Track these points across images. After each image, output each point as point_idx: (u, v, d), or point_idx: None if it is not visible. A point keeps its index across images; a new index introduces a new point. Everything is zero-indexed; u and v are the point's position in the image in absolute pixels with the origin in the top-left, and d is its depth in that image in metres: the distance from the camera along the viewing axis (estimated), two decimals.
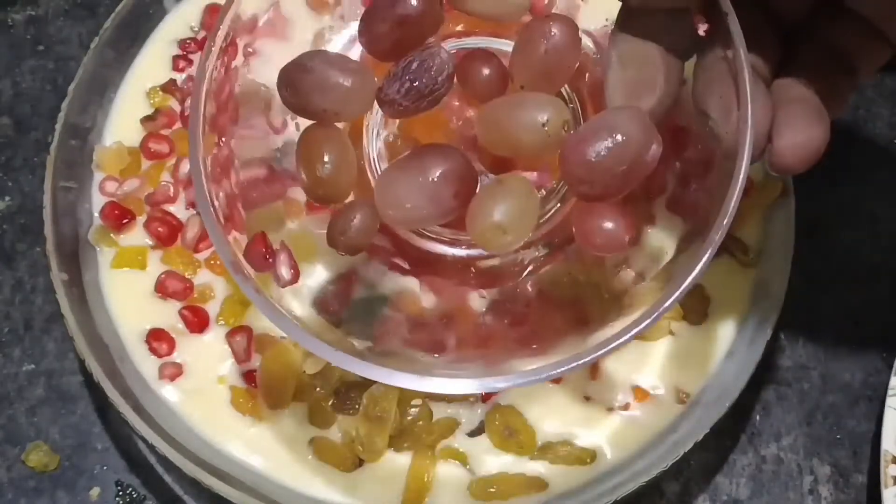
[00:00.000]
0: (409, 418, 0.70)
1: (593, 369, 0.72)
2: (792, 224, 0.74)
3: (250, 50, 0.80)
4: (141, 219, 0.76)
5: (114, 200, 0.76)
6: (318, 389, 0.71)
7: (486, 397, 0.71)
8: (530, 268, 0.68)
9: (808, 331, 0.82)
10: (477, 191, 0.58)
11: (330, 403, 0.71)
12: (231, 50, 0.80)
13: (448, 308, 0.67)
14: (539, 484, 0.69)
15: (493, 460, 0.70)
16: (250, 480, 0.69)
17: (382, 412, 0.69)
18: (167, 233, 0.75)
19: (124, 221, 0.75)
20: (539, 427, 0.71)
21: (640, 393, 0.72)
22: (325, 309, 0.73)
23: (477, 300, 0.67)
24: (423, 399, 0.71)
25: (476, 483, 0.69)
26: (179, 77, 0.80)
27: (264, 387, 0.71)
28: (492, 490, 0.69)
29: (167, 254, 0.75)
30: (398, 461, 0.70)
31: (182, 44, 0.81)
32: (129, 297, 0.74)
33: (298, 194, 0.76)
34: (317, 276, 0.74)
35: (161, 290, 0.73)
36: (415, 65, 0.57)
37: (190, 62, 0.80)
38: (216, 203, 0.58)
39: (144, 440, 0.68)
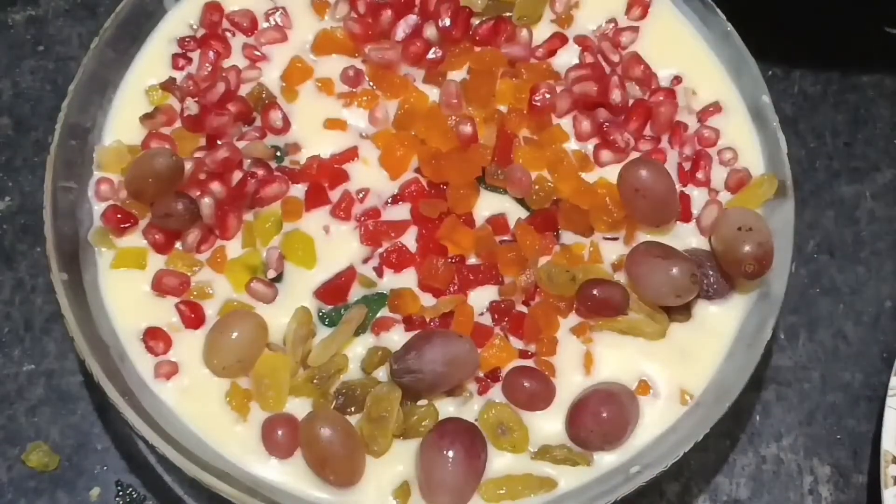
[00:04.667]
0: (416, 418, 0.70)
1: (588, 365, 0.72)
2: (792, 224, 0.74)
3: (258, 53, 0.80)
4: (143, 222, 0.75)
5: (116, 204, 0.76)
6: (314, 381, 0.71)
7: (482, 391, 0.72)
8: None
9: (808, 331, 0.82)
10: None
11: (334, 404, 0.71)
12: (218, 45, 0.80)
13: None
14: (549, 483, 0.70)
15: (495, 460, 0.70)
16: (249, 480, 0.69)
17: (385, 412, 0.69)
18: (164, 240, 0.75)
19: (125, 226, 0.75)
20: (538, 427, 0.71)
21: (639, 393, 0.72)
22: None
23: None
24: (430, 399, 0.71)
25: (485, 486, 0.69)
26: (179, 75, 0.80)
27: (257, 392, 0.71)
28: (501, 492, 0.69)
29: (170, 258, 0.75)
30: (397, 459, 0.70)
31: (182, 42, 0.81)
32: (128, 296, 0.74)
33: (298, 193, 0.76)
34: (316, 273, 0.74)
35: (158, 287, 0.73)
36: None
37: (189, 60, 0.80)
38: None
39: (144, 440, 0.68)
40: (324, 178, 0.76)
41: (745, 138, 0.79)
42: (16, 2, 0.91)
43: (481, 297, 0.74)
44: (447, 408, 0.71)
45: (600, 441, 0.70)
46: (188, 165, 0.75)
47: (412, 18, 0.81)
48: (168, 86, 0.79)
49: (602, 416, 0.69)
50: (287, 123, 0.78)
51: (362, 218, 0.75)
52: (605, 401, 0.70)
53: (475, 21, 0.81)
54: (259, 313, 0.72)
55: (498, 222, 0.75)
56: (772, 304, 0.72)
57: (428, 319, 0.72)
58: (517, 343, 0.73)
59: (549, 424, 0.71)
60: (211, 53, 0.80)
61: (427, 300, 0.73)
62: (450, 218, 0.74)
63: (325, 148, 0.78)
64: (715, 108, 0.79)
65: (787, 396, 0.80)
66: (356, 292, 0.74)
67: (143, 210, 0.75)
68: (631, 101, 0.79)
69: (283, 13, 0.82)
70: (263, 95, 0.79)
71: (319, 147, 0.78)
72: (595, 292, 0.72)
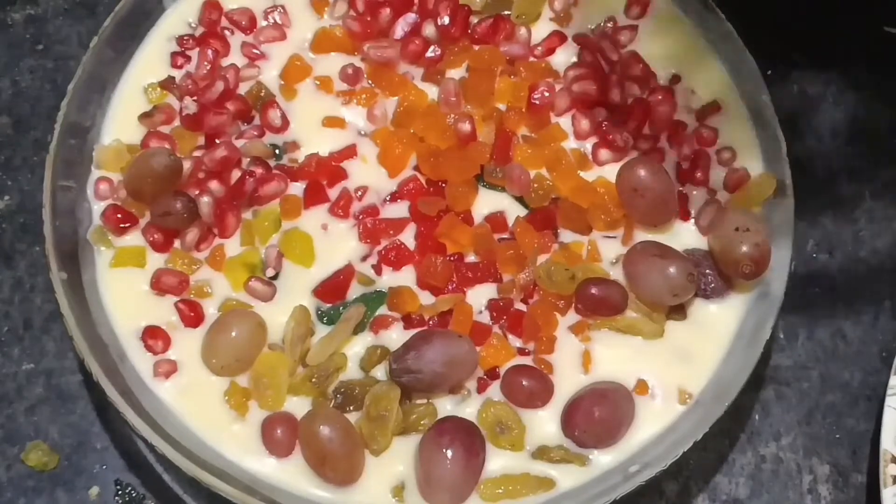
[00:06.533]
0: (415, 416, 0.70)
1: (586, 364, 0.72)
2: (791, 224, 0.74)
3: (256, 52, 0.80)
4: (143, 221, 0.75)
5: (115, 203, 0.76)
6: (313, 380, 0.71)
7: (480, 389, 0.72)
8: None
9: (808, 331, 0.82)
10: None
11: (332, 403, 0.71)
12: (217, 43, 0.80)
13: None
14: (547, 483, 0.70)
15: (494, 459, 0.70)
16: (248, 478, 0.69)
17: (384, 411, 0.69)
18: (163, 239, 0.75)
19: (124, 225, 0.75)
20: (537, 426, 0.71)
21: (638, 392, 0.72)
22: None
23: None
24: (429, 398, 0.71)
25: (483, 485, 0.69)
26: (178, 74, 0.80)
27: (256, 390, 0.71)
28: (499, 491, 0.69)
29: (169, 257, 0.75)
30: (396, 457, 0.70)
31: (180, 40, 0.81)
32: (127, 295, 0.74)
33: (297, 191, 0.76)
34: (314, 271, 0.74)
35: (157, 286, 0.73)
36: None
37: (188, 59, 0.80)
38: None
39: (143, 439, 0.68)
40: (322, 176, 0.76)
41: (743, 138, 0.79)
42: (15, 1, 0.90)
43: (480, 295, 0.74)
44: (445, 406, 0.71)
45: (593, 441, 0.70)
46: (187, 164, 0.75)
47: (411, 17, 0.81)
48: (167, 84, 0.79)
49: (594, 416, 0.69)
50: (286, 122, 0.78)
51: (361, 216, 0.75)
52: (598, 401, 0.70)
53: (474, 19, 0.81)
54: (258, 312, 0.72)
55: (497, 220, 0.75)
56: (771, 304, 0.72)
57: (427, 318, 0.72)
58: (516, 341, 0.73)
59: (547, 423, 0.71)
60: (210, 52, 0.80)
61: (426, 298, 0.73)
62: (448, 216, 0.74)
63: (323, 146, 0.78)
64: (714, 107, 0.79)
65: (786, 396, 0.80)
66: (355, 290, 0.74)
67: (142, 209, 0.75)
68: (630, 100, 0.79)
69: (282, 11, 0.82)
70: (262, 94, 0.79)
71: (318, 145, 0.78)
72: (594, 291, 0.72)
